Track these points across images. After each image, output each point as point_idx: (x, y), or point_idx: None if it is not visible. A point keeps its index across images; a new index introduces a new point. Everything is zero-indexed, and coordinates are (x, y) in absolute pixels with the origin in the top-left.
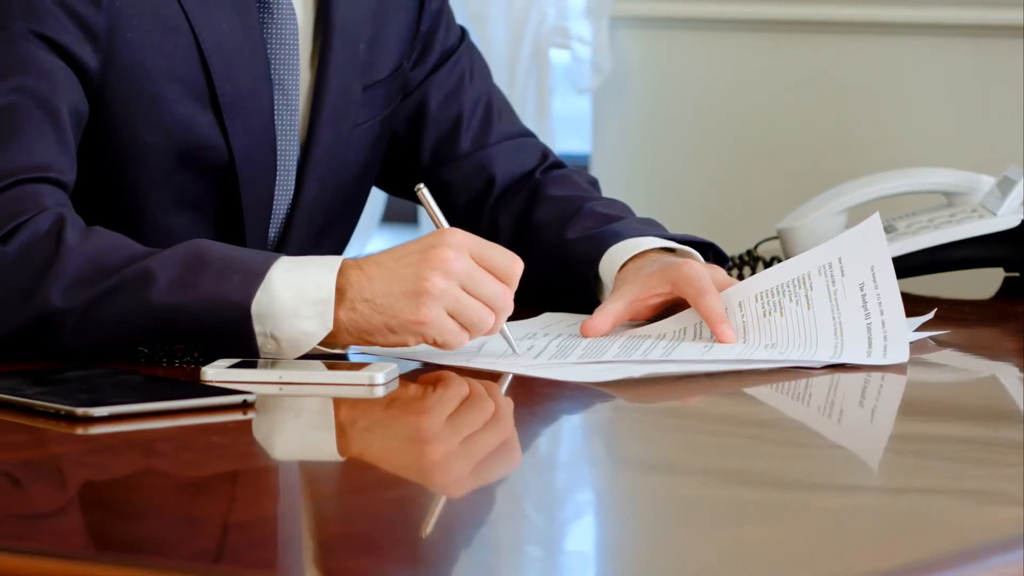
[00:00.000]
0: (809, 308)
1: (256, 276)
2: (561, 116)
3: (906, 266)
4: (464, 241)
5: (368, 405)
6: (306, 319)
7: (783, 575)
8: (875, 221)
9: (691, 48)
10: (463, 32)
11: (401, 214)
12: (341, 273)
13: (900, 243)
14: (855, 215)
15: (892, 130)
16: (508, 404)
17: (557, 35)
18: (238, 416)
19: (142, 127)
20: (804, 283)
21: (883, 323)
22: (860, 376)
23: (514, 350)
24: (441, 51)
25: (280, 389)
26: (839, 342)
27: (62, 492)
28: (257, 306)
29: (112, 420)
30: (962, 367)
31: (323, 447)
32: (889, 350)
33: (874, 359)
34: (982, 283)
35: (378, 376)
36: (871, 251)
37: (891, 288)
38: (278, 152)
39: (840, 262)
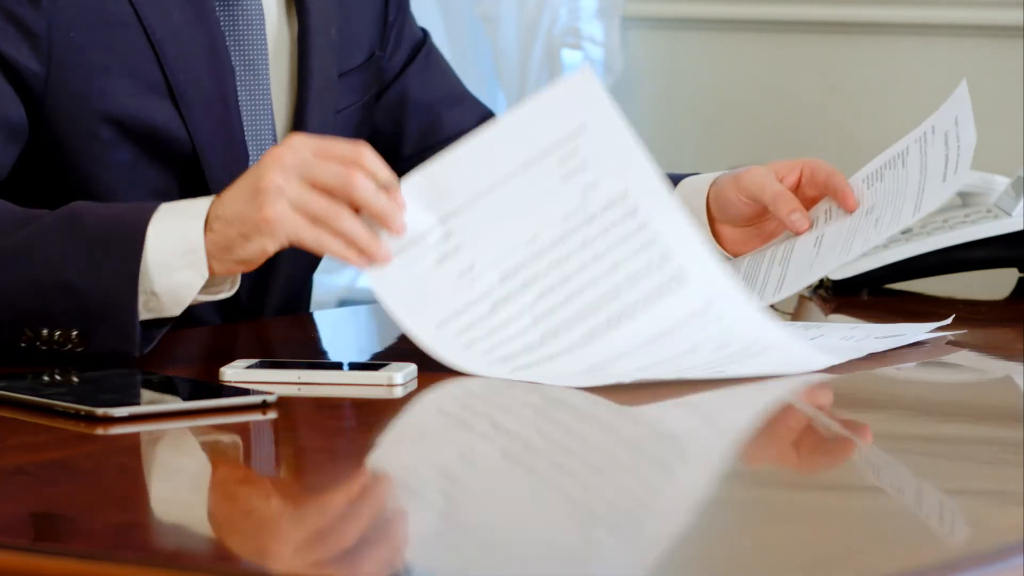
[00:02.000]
0: (904, 167)
1: (135, 236)
2: None
3: (921, 266)
4: (304, 139)
5: (386, 406)
6: (179, 270)
7: None
8: (962, 89)
9: (702, 48)
10: (425, 31)
11: None
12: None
13: (915, 243)
14: None
15: (905, 130)
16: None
17: (569, 36)
18: (258, 416)
19: (95, 124)
20: (903, 154)
21: (958, 146)
22: (877, 376)
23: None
24: (412, 42)
25: (299, 390)
26: (921, 187)
27: (83, 493)
28: None
29: (132, 420)
30: (978, 368)
31: (342, 447)
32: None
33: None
34: (998, 283)
35: (397, 376)
36: (956, 109)
37: (967, 126)
38: (248, 139)
39: (933, 130)
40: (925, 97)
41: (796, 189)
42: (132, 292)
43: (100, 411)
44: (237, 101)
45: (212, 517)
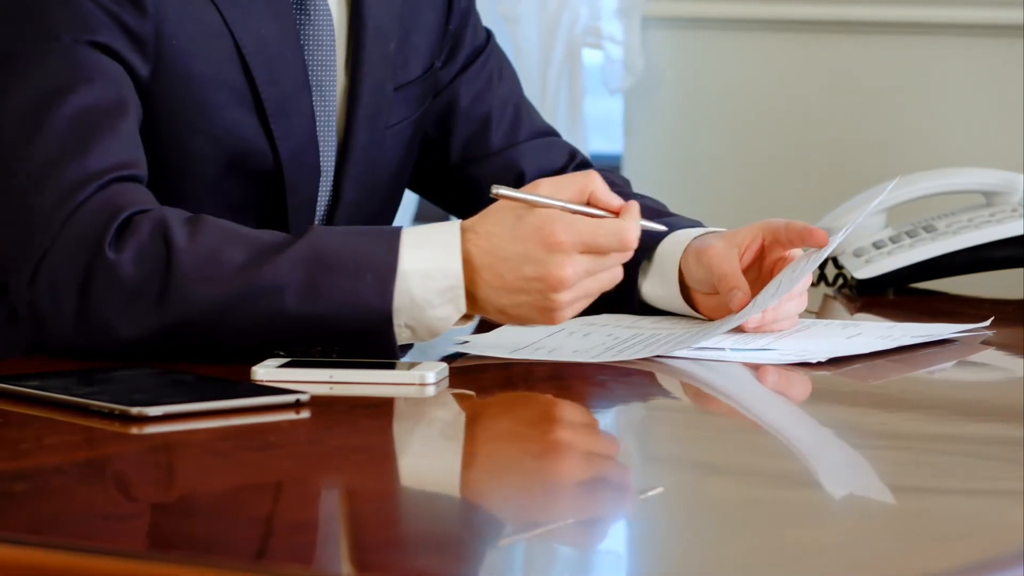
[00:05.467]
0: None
1: (388, 274)
2: (593, 116)
3: (946, 265)
4: (572, 225)
5: (419, 405)
6: (439, 307)
7: None
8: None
9: (723, 48)
10: (489, 33)
11: (434, 212)
12: (464, 244)
13: (941, 243)
14: (894, 215)
15: (924, 129)
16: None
17: (589, 35)
18: (291, 416)
19: (190, 135)
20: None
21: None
22: (908, 376)
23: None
24: (470, 50)
25: (331, 388)
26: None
27: (120, 492)
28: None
29: (166, 420)
30: (1006, 367)
31: (377, 446)
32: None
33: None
34: (1021, 283)
35: (429, 376)
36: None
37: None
38: (320, 154)
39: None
40: (956, 97)
41: (761, 254)
42: (387, 323)
43: (134, 410)
44: (313, 118)
45: (247, 516)
